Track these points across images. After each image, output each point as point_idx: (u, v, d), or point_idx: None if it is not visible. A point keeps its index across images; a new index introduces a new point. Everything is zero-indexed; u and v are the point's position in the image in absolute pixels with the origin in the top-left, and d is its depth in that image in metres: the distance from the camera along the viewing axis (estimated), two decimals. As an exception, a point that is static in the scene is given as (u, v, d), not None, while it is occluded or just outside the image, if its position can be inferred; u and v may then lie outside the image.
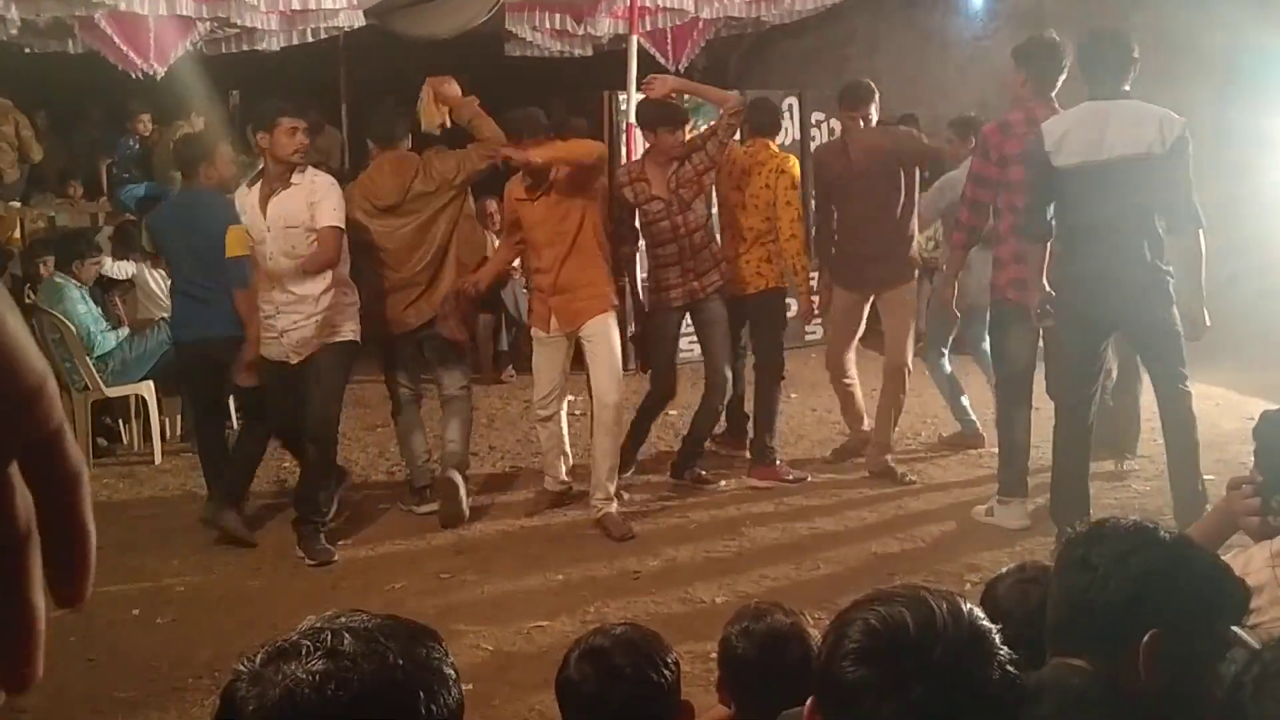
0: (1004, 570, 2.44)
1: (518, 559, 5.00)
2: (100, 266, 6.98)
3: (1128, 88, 4.53)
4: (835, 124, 9.31)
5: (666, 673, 2.18)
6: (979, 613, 1.40)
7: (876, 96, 5.85)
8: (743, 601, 3.60)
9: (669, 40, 9.19)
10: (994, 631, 1.38)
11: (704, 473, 5.95)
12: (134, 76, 7.48)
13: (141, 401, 6.61)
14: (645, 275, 5.99)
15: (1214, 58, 8.24)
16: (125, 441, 6.89)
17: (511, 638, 4.23)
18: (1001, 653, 1.35)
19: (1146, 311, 4.55)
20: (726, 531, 5.28)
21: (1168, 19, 7.77)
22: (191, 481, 6.12)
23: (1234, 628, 1.92)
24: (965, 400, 6.44)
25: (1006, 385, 5.22)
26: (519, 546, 5.14)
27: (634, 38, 7.22)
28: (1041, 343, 5.21)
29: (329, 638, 1.28)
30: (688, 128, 5.67)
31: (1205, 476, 4.66)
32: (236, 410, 5.96)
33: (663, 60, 9.23)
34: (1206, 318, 4.58)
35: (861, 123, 5.82)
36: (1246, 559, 2.12)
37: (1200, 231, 4.50)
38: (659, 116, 5.51)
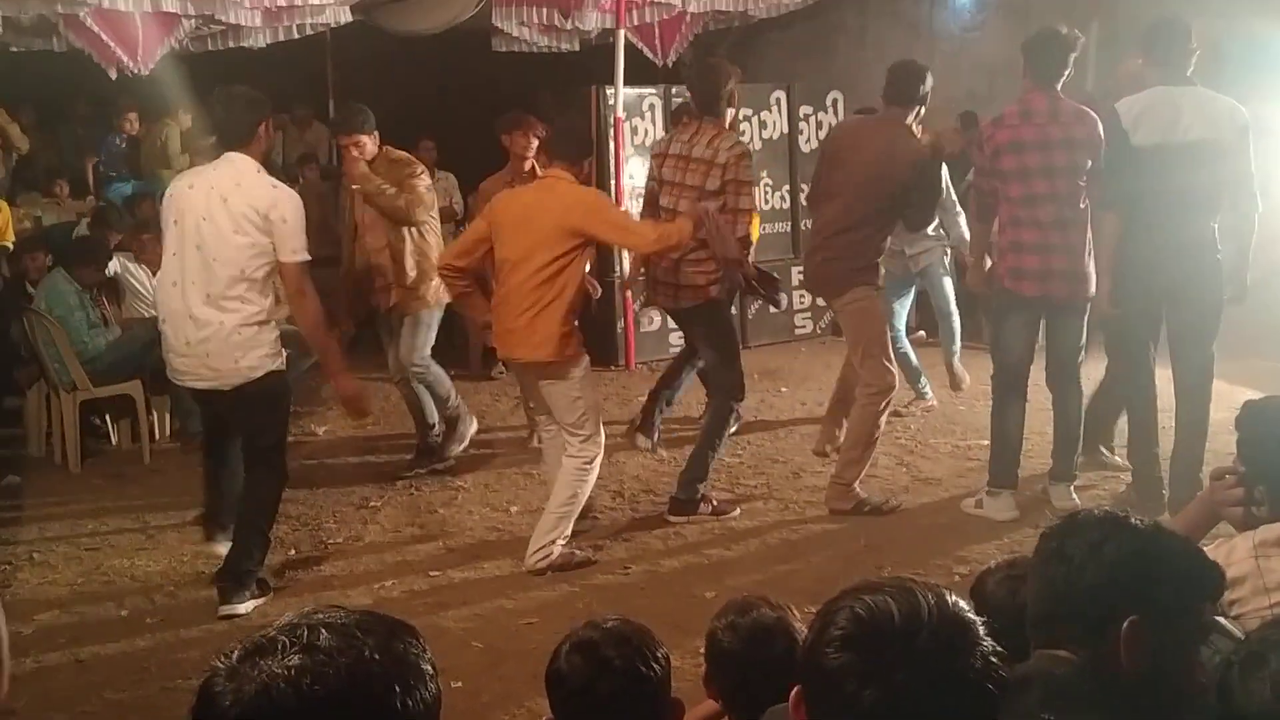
0: (993, 564, 2.45)
1: (508, 556, 4.99)
2: (104, 273, 6.96)
3: (1190, 73, 4.85)
4: (822, 117, 9.36)
5: (656, 666, 2.18)
6: (964, 604, 1.40)
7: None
8: (733, 595, 3.61)
9: (656, 34, 9.18)
10: (978, 623, 1.39)
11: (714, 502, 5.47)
12: (120, 74, 7.45)
13: (130, 400, 6.58)
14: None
15: (1202, 44, 8.23)
16: (114, 441, 6.87)
17: (501, 634, 4.22)
18: (985, 643, 1.36)
19: (1201, 287, 4.88)
20: (717, 526, 5.28)
21: (1153, 7, 7.76)
22: (181, 481, 6.10)
23: (1218, 618, 1.93)
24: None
25: (1001, 374, 5.24)
26: (509, 544, 5.13)
27: (621, 32, 7.23)
28: (1042, 334, 5.23)
29: (305, 633, 1.28)
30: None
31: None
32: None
33: (650, 54, 9.24)
34: (1248, 282, 4.98)
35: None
36: (1230, 549, 2.13)
37: (1257, 215, 4.89)
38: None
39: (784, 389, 7.71)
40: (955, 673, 1.29)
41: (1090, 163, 4.95)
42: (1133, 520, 1.78)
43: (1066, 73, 5.02)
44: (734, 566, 4.82)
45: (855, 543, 5.04)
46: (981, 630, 1.37)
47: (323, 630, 1.28)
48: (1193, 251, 4.86)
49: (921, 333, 8.76)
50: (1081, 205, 5.00)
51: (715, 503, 5.39)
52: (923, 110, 5.33)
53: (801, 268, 6.02)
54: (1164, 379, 5.17)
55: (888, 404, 5.40)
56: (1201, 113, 4.79)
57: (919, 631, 1.29)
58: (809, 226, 5.87)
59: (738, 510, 5.41)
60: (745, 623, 2.39)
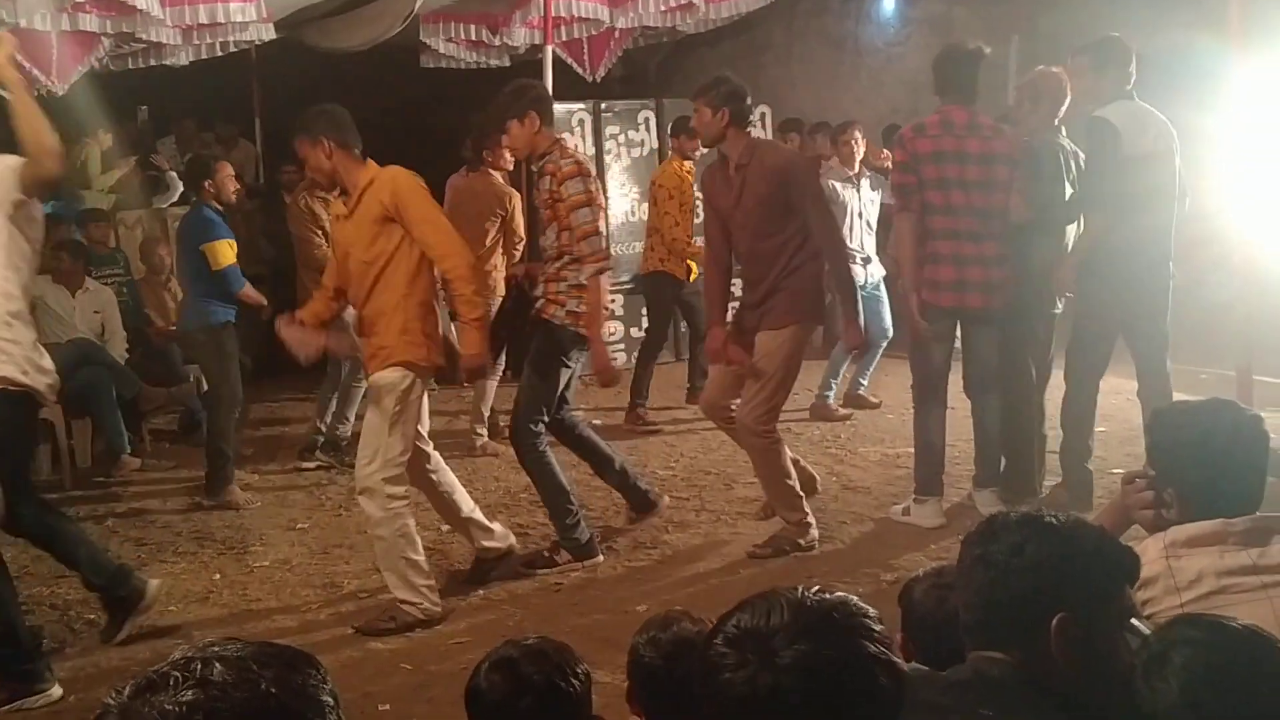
0: (919, 573, 2.47)
1: (438, 576, 4.93)
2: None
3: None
4: (752, 131, 9.40)
5: (575, 682, 2.19)
6: (854, 609, 1.43)
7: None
8: (665, 609, 3.61)
9: (585, 50, 9.19)
10: (864, 628, 1.41)
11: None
12: (37, 95, 7.29)
13: (50, 426, 6.44)
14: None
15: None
16: (36, 468, 6.70)
17: (431, 655, 4.17)
18: (867, 646, 1.39)
19: (1163, 292, 5.15)
20: (648, 540, 5.28)
21: (1073, 23, 7.94)
22: (102, 507, 5.98)
23: (1133, 620, 1.96)
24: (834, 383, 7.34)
25: (920, 383, 5.29)
26: (440, 563, 5.08)
27: (549, 48, 7.21)
28: (959, 344, 5.30)
29: (199, 667, 1.25)
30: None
31: (1115, 470, 4.77)
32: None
33: (580, 70, 9.24)
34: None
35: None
36: (1141, 551, 2.15)
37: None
38: None
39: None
40: (810, 667, 1.34)
41: (1010, 176, 5.06)
42: (1048, 518, 1.81)
43: (977, 87, 5.10)
44: (667, 580, 4.81)
45: (786, 553, 5.05)
46: (866, 634, 1.40)
47: (217, 664, 1.25)
48: (1162, 256, 5.11)
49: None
50: (1000, 218, 5.08)
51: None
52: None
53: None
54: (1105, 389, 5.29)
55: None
56: (1158, 125, 5.05)
57: (779, 630, 1.37)
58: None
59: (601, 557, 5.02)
60: (666, 637, 2.39)
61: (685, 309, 7.71)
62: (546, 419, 4.91)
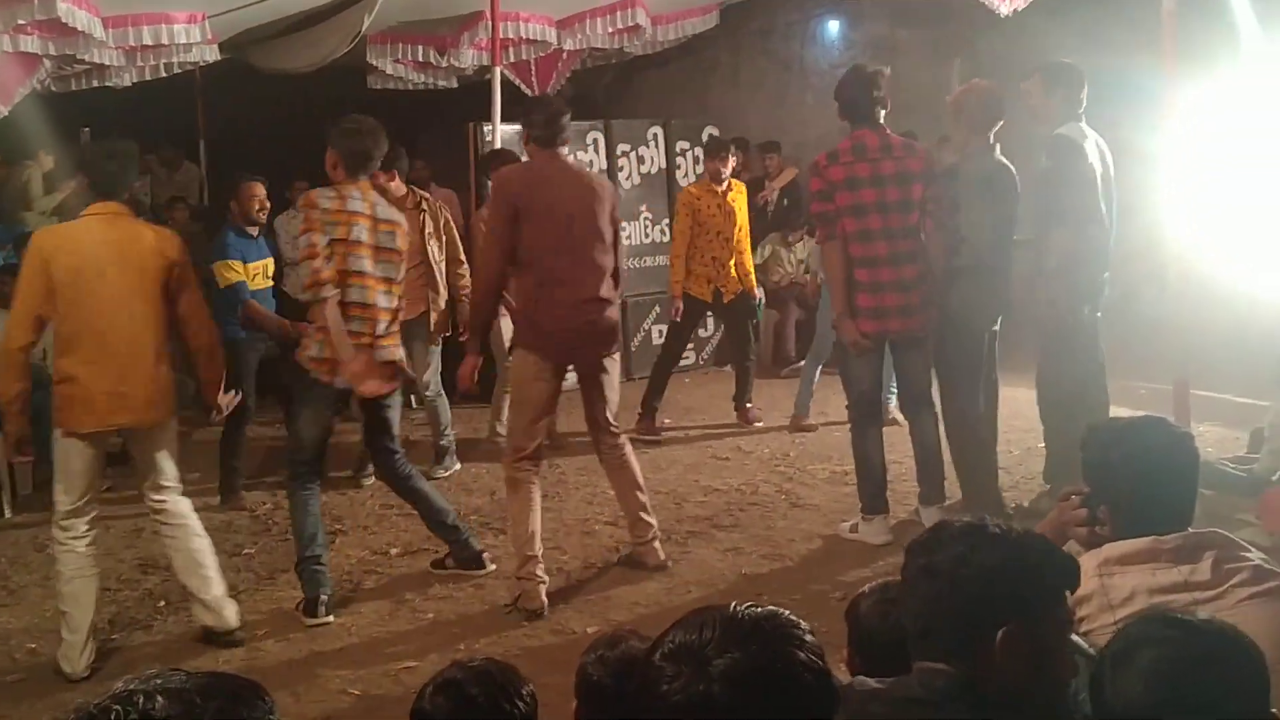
0: (866, 589, 2.49)
1: (386, 599, 4.91)
2: None
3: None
4: (699, 152, 9.50)
5: (520, 704, 2.20)
6: (782, 619, 1.48)
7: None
8: (614, 628, 3.62)
9: (533, 71, 9.21)
10: (791, 636, 1.46)
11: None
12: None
13: (-10, 452, 6.32)
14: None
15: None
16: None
17: (380, 680, 4.15)
18: (796, 654, 1.43)
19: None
20: (598, 559, 5.28)
21: (1014, 45, 8.09)
22: (43, 534, 5.87)
23: (1073, 637, 2.00)
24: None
25: (855, 404, 5.35)
26: (388, 587, 5.05)
27: (497, 69, 7.22)
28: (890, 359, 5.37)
29: (141, 700, 1.25)
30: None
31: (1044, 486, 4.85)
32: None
33: (528, 90, 9.26)
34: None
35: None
36: (1075, 568, 2.20)
37: None
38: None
39: (667, 420, 7.75)
40: (739, 674, 1.39)
41: (927, 191, 5.13)
42: (991, 528, 1.82)
43: (881, 107, 5.14)
44: (615, 601, 4.81)
45: (734, 571, 5.08)
46: (794, 642, 1.45)
47: (159, 697, 1.25)
48: (1104, 265, 5.29)
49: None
50: (918, 237, 5.15)
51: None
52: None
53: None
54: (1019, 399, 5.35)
55: None
56: (1103, 147, 5.22)
57: (710, 641, 1.42)
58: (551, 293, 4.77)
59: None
60: (614, 655, 2.40)
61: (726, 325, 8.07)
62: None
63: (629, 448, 5.12)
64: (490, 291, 4.85)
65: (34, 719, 3.98)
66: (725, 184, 7.48)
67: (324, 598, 4.72)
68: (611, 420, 5.01)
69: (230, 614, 4.48)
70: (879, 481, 5.30)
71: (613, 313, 4.89)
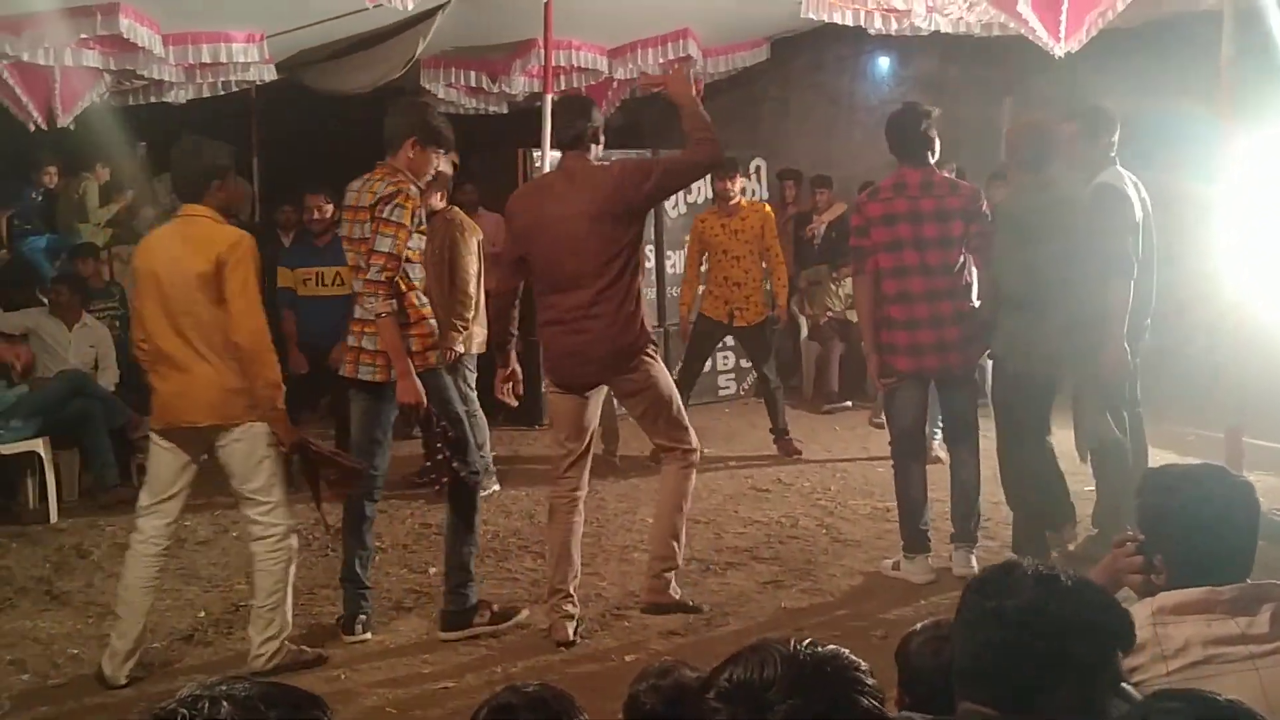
0: (918, 627, 2.47)
1: (424, 619, 4.92)
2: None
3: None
4: (746, 184, 9.53)
5: None
6: (846, 661, 1.45)
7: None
8: (654, 659, 3.60)
9: (583, 99, 9.27)
10: (855, 680, 1.43)
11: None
12: (38, 128, 7.35)
13: (39, 458, 6.42)
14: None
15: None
16: (23, 500, 6.67)
17: (417, 700, 4.15)
18: (860, 699, 1.41)
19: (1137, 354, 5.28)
20: (635, 588, 5.26)
21: (1063, 84, 8.08)
22: (88, 540, 5.96)
23: (1123, 684, 1.98)
24: None
25: (897, 441, 5.32)
26: (427, 606, 5.06)
27: (548, 97, 7.27)
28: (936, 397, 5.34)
29: (207, 706, 1.26)
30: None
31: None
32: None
33: (577, 118, 9.32)
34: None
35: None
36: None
37: None
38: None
39: (708, 449, 7.73)
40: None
41: (971, 228, 5.09)
42: (1063, 580, 1.80)
43: (929, 148, 5.11)
44: (653, 629, 4.79)
45: (773, 604, 5.05)
46: (857, 686, 1.42)
47: (224, 703, 1.27)
48: (1146, 313, 5.27)
49: (849, 404, 8.96)
50: (957, 275, 5.12)
51: (494, 608, 4.80)
52: (599, 148, 4.67)
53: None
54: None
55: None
56: (1143, 192, 5.19)
57: (773, 683, 1.38)
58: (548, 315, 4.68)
59: (525, 612, 4.84)
60: (667, 684, 2.39)
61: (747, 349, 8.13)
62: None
63: (685, 462, 4.83)
64: (494, 306, 4.97)
65: (76, 723, 4.02)
66: (734, 204, 7.54)
67: (363, 616, 4.73)
68: (667, 443, 4.81)
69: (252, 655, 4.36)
70: (919, 519, 5.25)
71: (611, 331, 4.54)
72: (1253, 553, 2.30)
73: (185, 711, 1.25)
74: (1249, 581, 2.24)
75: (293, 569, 4.40)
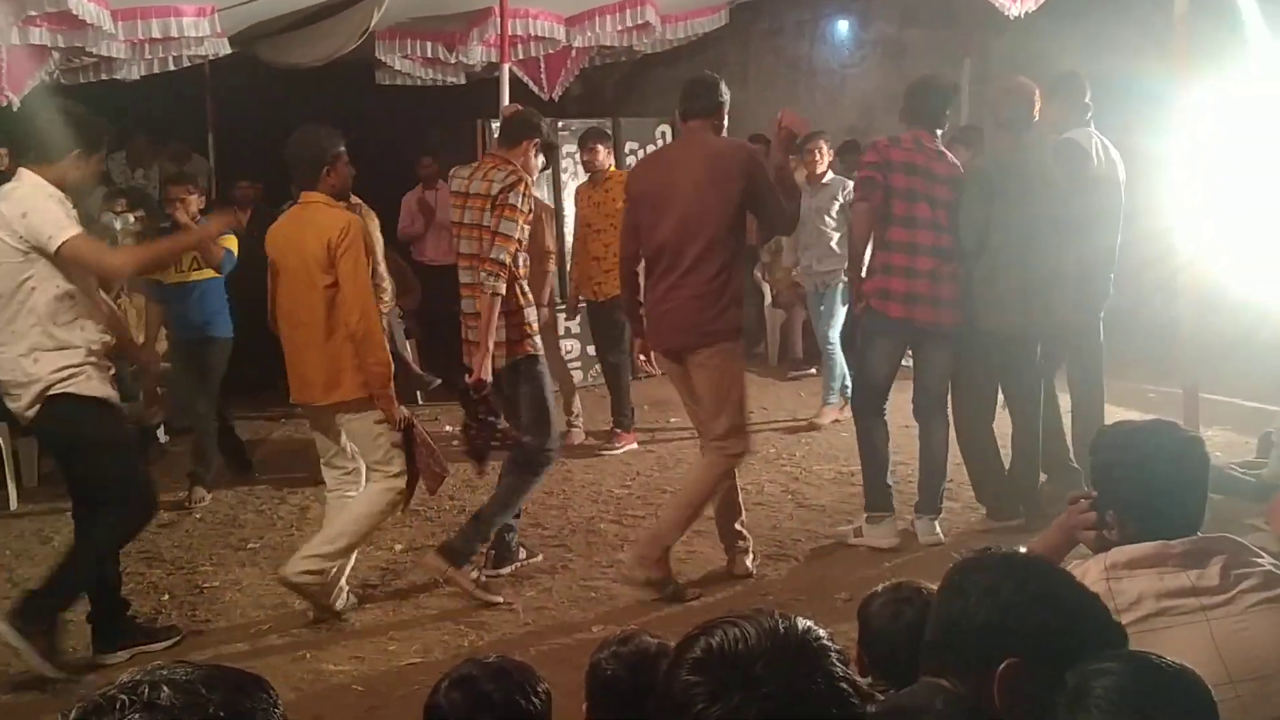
0: (879, 588, 2.50)
1: (390, 595, 4.91)
2: None
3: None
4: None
5: (535, 701, 2.19)
6: (820, 633, 1.43)
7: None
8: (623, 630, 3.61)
9: (542, 69, 9.20)
10: (829, 651, 1.41)
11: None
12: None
13: (-3, 444, 6.34)
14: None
15: (1090, 81, 8.58)
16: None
17: (384, 677, 4.15)
18: (836, 669, 1.39)
19: (1097, 311, 5.66)
20: (604, 560, 5.27)
21: (1023, 47, 8.08)
22: (49, 526, 5.89)
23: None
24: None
25: (860, 394, 5.35)
26: (394, 584, 5.05)
27: (506, 67, 7.21)
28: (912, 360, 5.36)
29: (146, 690, 1.24)
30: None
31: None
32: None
33: (536, 89, 9.25)
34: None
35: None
36: (1083, 572, 2.19)
37: None
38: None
39: (673, 419, 7.74)
40: (793, 696, 1.32)
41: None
42: (1036, 565, 1.84)
43: (945, 121, 5.26)
44: (623, 602, 4.79)
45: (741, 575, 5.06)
46: (834, 659, 1.40)
47: (164, 687, 1.25)
48: (1108, 270, 5.57)
49: (813, 370, 8.94)
50: (958, 240, 5.15)
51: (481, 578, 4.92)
52: (724, 121, 4.78)
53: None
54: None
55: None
56: (1113, 153, 5.42)
57: (758, 657, 1.34)
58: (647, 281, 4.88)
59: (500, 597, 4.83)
60: (627, 650, 2.40)
61: None
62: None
63: (722, 458, 4.78)
64: (620, 274, 5.06)
65: (37, 712, 3.98)
66: (602, 176, 7.22)
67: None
68: (718, 440, 4.73)
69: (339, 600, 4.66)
70: (884, 478, 5.27)
71: (696, 303, 4.61)
72: (1203, 506, 2.32)
73: (125, 697, 1.23)
74: (1200, 535, 2.26)
75: (375, 521, 4.67)
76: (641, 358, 5.11)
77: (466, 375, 4.77)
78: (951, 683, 1.78)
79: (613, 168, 7.42)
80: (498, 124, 7.27)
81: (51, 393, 4.06)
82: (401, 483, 4.61)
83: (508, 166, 4.76)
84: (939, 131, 5.24)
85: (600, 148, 7.21)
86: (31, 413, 4.13)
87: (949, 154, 5.30)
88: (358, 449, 4.64)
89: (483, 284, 4.64)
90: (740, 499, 5.03)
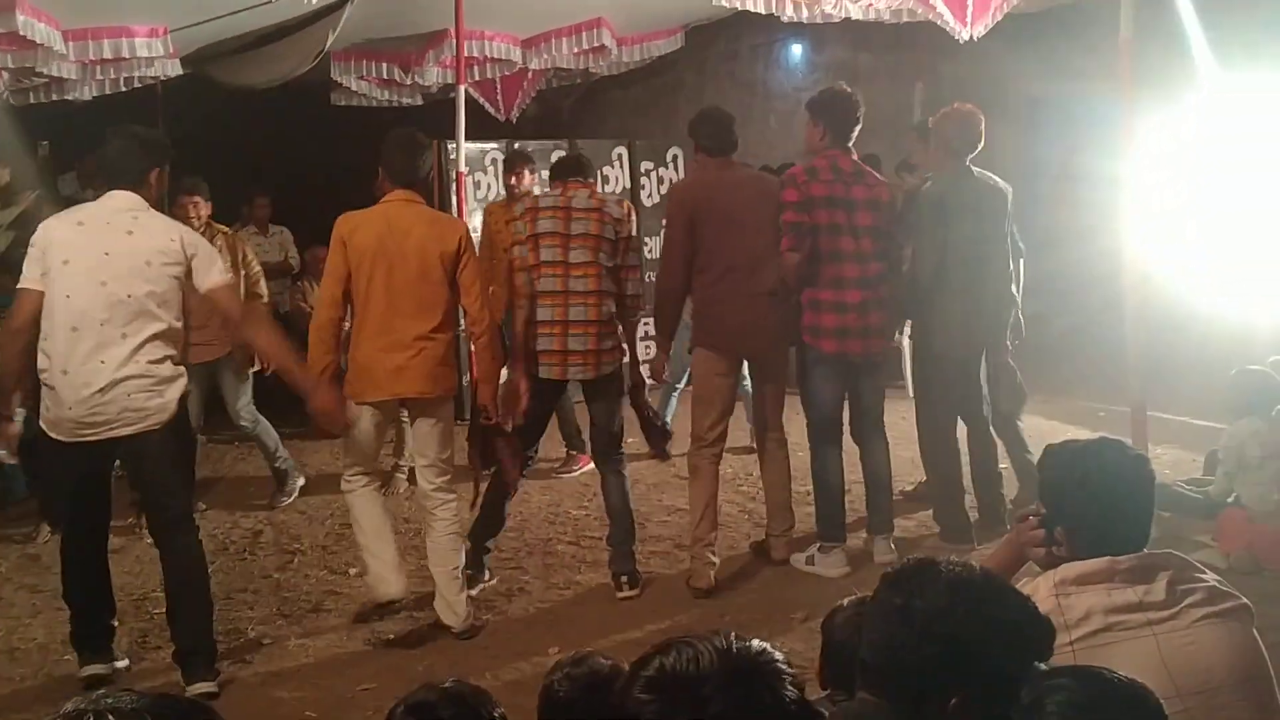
0: (844, 602, 2.52)
1: (345, 620, 4.87)
2: None
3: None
4: (663, 173, 9.54)
5: None
6: (774, 655, 1.44)
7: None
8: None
9: (498, 90, 9.23)
10: (782, 674, 1.42)
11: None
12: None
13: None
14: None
15: (1022, 102, 8.73)
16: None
17: (337, 701, 4.10)
18: (787, 692, 1.40)
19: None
20: (561, 580, 5.25)
21: (974, 70, 8.19)
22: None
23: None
24: None
25: (815, 427, 5.36)
26: (347, 608, 5.00)
27: (461, 88, 7.22)
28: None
29: (91, 719, 1.23)
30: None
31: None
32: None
33: (493, 110, 9.28)
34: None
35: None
36: (1033, 589, 2.21)
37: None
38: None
39: (630, 439, 7.72)
40: (740, 717, 1.34)
41: (907, 217, 5.31)
42: (979, 580, 1.80)
43: (856, 129, 5.20)
44: (580, 625, 4.77)
45: (698, 594, 5.06)
46: (784, 680, 1.41)
47: (110, 716, 1.23)
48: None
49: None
50: (882, 264, 5.20)
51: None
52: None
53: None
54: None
55: None
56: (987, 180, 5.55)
57: (709, 678, 1.35)
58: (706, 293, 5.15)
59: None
60: (580, 672, 2.40)
61: None
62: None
63: (786, 448, 5.45)
64: (672, 297, 5.20)
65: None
66: (521, 197, 6.87)
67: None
68: (771, 426, 5.38)
69: (456, 616, 4.65)
70: (837, 508, 5.28)
71: (779, 309, 5.13)
72: (1149, 522, 2.35)
73: (68, 728, 1.21)
74: (1146, 551, 2.29)
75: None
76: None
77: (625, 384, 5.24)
78: (890, 704, 1.76)
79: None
80: (453, 145, 7.29)
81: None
82: (452, 489, 4.69)
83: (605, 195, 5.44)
84: (850, 148, 5.19)
85: (528, 172, 7.09)
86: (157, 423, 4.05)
87: (866, 168, 5.23)
88: (428, 446, 4.66)
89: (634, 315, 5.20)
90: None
